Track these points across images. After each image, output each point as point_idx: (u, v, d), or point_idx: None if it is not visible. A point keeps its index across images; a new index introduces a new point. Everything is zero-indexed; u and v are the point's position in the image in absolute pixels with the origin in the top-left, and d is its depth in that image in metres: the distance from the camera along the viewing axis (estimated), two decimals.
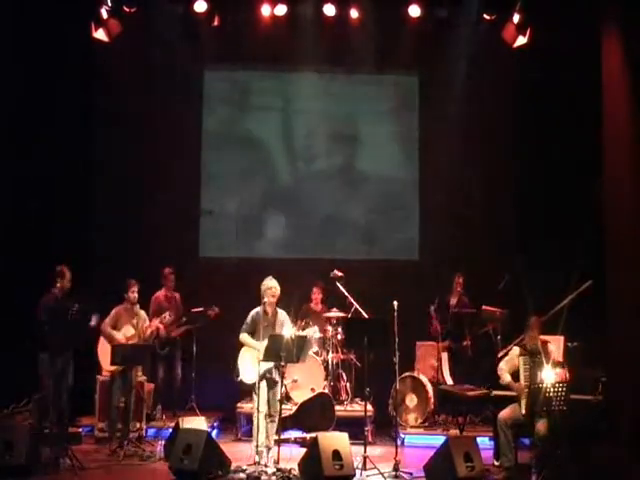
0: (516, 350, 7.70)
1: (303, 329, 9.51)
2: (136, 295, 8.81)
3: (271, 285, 7.90)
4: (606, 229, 9.42)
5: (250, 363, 7.87)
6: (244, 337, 7.95)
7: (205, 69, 11.07)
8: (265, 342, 7.67)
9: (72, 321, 7.74)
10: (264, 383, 7.79)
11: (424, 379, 9.45)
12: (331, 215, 11.03)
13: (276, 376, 7.81)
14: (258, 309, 7.96)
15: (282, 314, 8.03)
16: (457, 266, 10.15)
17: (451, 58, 10.49)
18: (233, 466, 7.54)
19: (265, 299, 7.88)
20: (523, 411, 7.31)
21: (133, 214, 10.39)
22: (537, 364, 7.38)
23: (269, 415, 7.81)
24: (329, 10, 10.07)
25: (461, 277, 10.03)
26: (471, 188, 10.58)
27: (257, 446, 7.71)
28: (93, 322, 8.24)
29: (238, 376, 7.97)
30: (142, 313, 8.94)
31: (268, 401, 7.82)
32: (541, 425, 7.15)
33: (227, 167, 11.04)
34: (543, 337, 7.69)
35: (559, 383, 7.07)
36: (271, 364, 7.73)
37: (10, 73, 9.48)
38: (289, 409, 8.88)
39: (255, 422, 7.80)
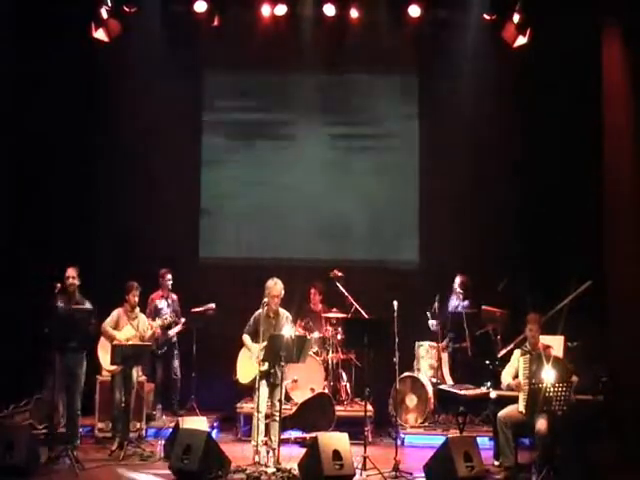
0: (517, 353, 7.70)
1: (304, 329, 9.55)
2: (137, 299, 8.80)
3: (271, 287, 7.86)
4: (606, 229, 9.42)
5: (246, 364, 7.93)
6: (244, 338, 8.01)
7: (205, 69, 11.06)
8: (263, 344, 7.69)
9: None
10: (264, 382, 7.76)
11: (424, 379, 9.44)
12: (331, 215, 11.01)
13: (276, 380, 7.78)
14: (262, 310, 7.95)
15: (285, 317, 7.99)
16: (457, 266, 10.14)
17: (451, 58, 10.47)
18: (233, 466, 7.53)
19: (265, 299, 7.87)
20: (522, 407, 7.31)
21: (133, 214, 10.37)
22: (537, 363, 7.37)
23: (271, 415, 7.81)
24: (329, 10, 10.07)
25: (461, 277, 10.03)
26: (471, 188, 10.56)
27: (256, 446, 7.72)
28: None
29: (236, 375, 8.04)
30: (142, 316, 8.94)
31: (270, 401, 7.83)
32: (541, 424, 7.14)
33: (227, 167, 11.04)
34: (545, 342, 7.67)
35: (559, 383, 7.07)
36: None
37: (10, 73, 9.48)
38: (289, 409, 8.88)
39: (254, 422, 7.81)
